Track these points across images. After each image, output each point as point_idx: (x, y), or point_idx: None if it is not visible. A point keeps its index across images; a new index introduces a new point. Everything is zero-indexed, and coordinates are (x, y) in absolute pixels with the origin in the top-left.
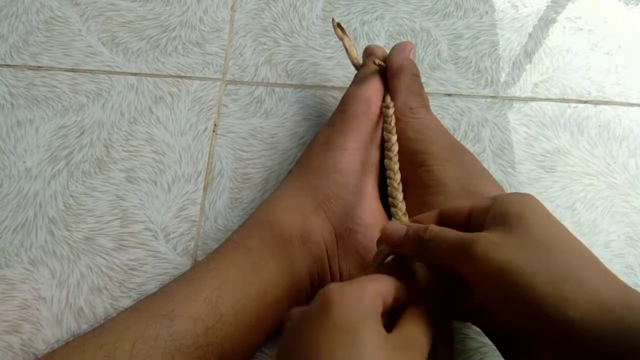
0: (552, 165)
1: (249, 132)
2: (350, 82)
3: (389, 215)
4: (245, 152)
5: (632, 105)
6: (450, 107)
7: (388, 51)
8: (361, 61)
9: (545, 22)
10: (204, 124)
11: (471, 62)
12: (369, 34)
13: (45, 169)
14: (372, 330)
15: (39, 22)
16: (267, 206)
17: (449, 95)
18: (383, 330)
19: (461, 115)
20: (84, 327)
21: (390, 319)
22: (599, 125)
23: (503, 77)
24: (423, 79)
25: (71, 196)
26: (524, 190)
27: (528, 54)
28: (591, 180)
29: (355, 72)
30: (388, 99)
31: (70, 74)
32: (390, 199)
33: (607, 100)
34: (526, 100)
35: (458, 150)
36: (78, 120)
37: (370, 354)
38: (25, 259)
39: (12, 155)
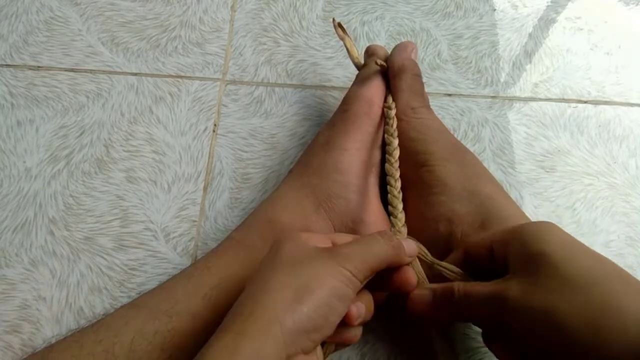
0: (552, 165)
1: (249, 132)
2: (350, 82)
3: (389, 214)
4: (245, 152)
5: (632, 105)
6: (450, 107)
7: (389, 51)
8: (362, 61)
9: (545, 22)
10: (204, 124)
11: (471, 62)
12: (369, 34)
13: (45, 169)
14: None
15: (39, 22)
16: (268, 205)
17: (449, 95)
18: (318, 247)
19: (461, 115)
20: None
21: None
22: (599, 125)
23: (503, 77)
24: (423, 79)
25: (71, 196)
26: (524, 191)
27: (528, 54)
28: (591, 180)
29: (357, 71)
30: (390, 99)
31: (70, 74)
32: (390, 208)
33: (607, 100)
34: (526, 100)
35: (459, 151)
36: (78, 120)
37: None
38: (25, 259)
39: (12, 155)
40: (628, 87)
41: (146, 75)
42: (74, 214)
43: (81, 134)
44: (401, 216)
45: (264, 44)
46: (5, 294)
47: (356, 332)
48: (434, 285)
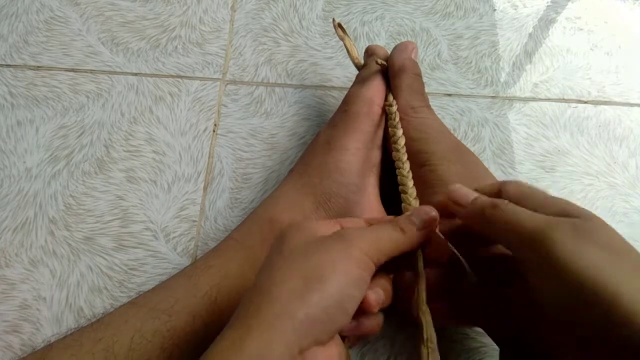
0: (552, 165)
1: (249, 132)
2: (350, 82)
3: (389, 214)
4: (245, 152)
5: (632, 105)
6: (450, 107)
7: (389, 51)
8: (362, 61)
9: (545, 22)
10: (204, 124)
11: (471, 62)
12: (369, 34)
13: (45, 169)
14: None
15: (39, 22)
16: (268, 205)
17: (449, 95)
18: (325, 235)
19: (461, 115)
20: None
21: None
22: (599, 125)
23: (503, 77)
24: (423, 79)
25: (71, 196)
26: None
27: (528, 54)
28: (591, 180)
29: (357, 71)
30: (390, 97)
31: (71, 74)
32: (400, 186)
33: (607, 100)
34: (526, 100)
35: (461, 150)
36: (78, 120)
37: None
38: (25, 259)
39: (12, 155)
40: (628, 87)
41: (146, 75)
42: (74, 214)
43: (81, 134)
44: (412, 191)
45: (264, 44)
46: (5, 294)
47: (378, 321)
48: (482, 196)
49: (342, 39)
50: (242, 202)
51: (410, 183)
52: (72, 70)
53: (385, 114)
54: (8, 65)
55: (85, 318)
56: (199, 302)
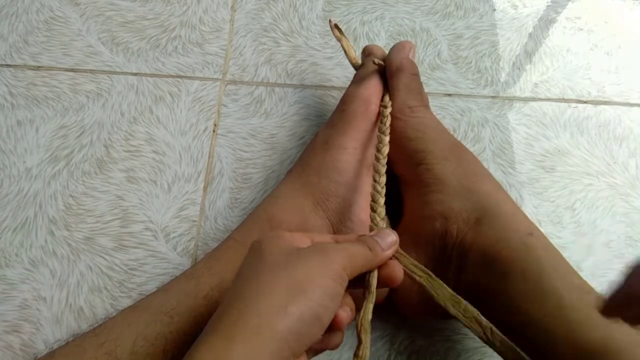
0: (552, 165)
1: (249, 132)
2: (350, 82)
3: (388, 213)
4: (245, 152)
5: (632, 105)
6: (450, 107)
7: (387, 51)
8: (359, 61)
9: (545, 22)
10: (204, 124)
11: (471, 62)
12: (369, 34)
13: (45, 169)
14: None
15: (39, 22)
16: (267, 205)
17: (449, 95)
18: (302, 247)
19: (461, 115)
20: (84, 327)
21: None
22: (599, 125)
23: (503, 77)
24: (423, 79)
25: (71, 196)
26: (524, 191)
27: (528, 54)
28: (591, 180)
29: (355, 72)
30: (387, 98)
31: (71, 73)
32: (371, 202)
33: (607, 100)
34: (526, 100)
35: (458, 149)
36: (78, 120)
37: (270, 253)
38: (25, 259)
39: (12, 155)
40: (628, 87)
41: (146, 75)
42: (74, 214)
43: (81, 134)
44: (381, 210)
45: (264, 44)
46: (5, 294)
47: (341, 337)
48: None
49: (339, 39)
50: (242, 202)
51: (382, 200)
52: (72, 70)
53: (379, 114)
54: (8, 65)
55: (85, 318)
56: (201, 304)
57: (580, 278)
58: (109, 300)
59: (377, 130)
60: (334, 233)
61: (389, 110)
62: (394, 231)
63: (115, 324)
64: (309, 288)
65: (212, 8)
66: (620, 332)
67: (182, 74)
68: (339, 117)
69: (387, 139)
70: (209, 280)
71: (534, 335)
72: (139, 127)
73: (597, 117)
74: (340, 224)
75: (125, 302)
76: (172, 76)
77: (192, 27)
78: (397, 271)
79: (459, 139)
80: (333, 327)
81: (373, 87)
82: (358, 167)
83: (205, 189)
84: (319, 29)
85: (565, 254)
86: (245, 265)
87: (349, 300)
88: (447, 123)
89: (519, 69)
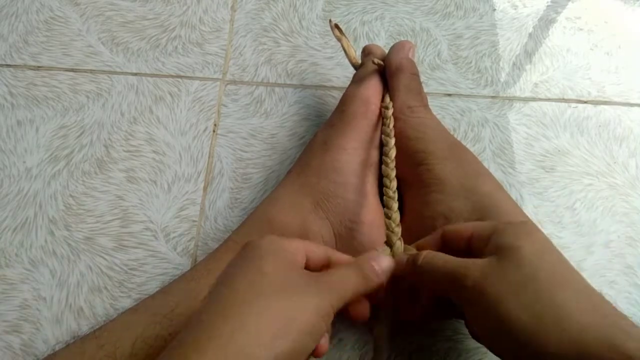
0: (552, 165)
1: (249, 132)
2: (349, 82)
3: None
4: (245, 152)
5: (632, 105)
6: (450, 107)
7: (387, 51)
8: (359, 61)
9: (545, 22)
10: (204, 124)
11: (471, 62)
12: (369, 34)
13: (45, 169)
14: (282, 265)
15: (39, 22)
16: (267, 205)
17: (449, 95)
18: (301, 270)
19: (461, 115)
20: (84, 327)
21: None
22: (599, 125)
23: (503, 77)
24: (423, 79)
25: (71, 196)
26: (524, 191)
27: (528, 54)
28: (591, 180)
29: (355, 71)
30: (387, 99)
31: (71, 73)
32: (385, 209)
33: (607, 100)
34: (526, 100)
35: (458, 149)
36: (78, 120)
37: (272, 273)
38: (25, 259)
39: (12, 155)
40: (628, 87)
41: (146, 75)
42: (74, 214)
43: (81, 134)
44: (395, 216)
45: (264, 44)
46: (5, 294)
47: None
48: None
49: (339, 39)
50: (242, 202)
51: (395, 206)
52: (72, 70)
53: (381, 116)
54: (8, 65)
55: (85, 318)
56: (200, 306)
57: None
58: (109, 300)
59: (381, 132)
60: (334, 233)
61: (391, 111)
62: (391, 258)
63: (115, 326)
64: (300, 325)
65: (212, 8)
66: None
67: (182, 74)
68: (339, 117)
69: (392, 141)
70: (208, 281)
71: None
72: (139, 127)
73: (597, 117)
74: (340, 224)
75: (125, 302)
76: (172, 76)
77: (192, 27)
78: (365, 312)
79: (459, 139)
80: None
81: (373, 87)
82: (358, 167)
83: (205, 189)
84: (319, 29)
85: (565, 254)
86: (241, 276)
87: (328, 328)
88: (447, 123)
89: (519, 69)
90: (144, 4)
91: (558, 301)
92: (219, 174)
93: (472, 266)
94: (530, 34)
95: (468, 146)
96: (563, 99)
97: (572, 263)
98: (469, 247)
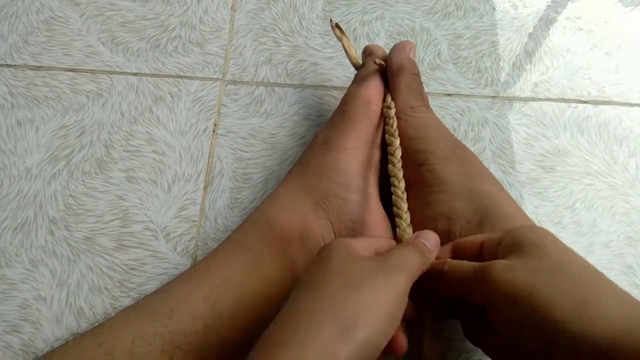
0: (552, 165)
1: (249, 132)
2: (350, 82)
3: (389, 214)
4: (245, 152)
5: (632, 105)
6: (450, 107)
7: (388, 51)
8: (360, 61)
9: (545, 22)
10: (204, 124)
11: (471, 62)
12: (369, 34)
13: (46, 169)
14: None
15: (39, 22)
16: (267, 205)
17: (449, 95)
18: (366, 259)
19: (461, 115)
20: (84, 326)
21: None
22: (599, 125)
23: (503, 77)
24: (423, 79)
25: (71, 196)
26: (524, 191)
27: (528, 54)
28: (591, 180)
29: (355, 71)
30: (389, 99)
31: (71, 73)
32: (394, 209)
33: (607, 100)
34: (526, 100)
35: (459, 149)
36: (78, 120)
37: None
38: (25, 259)
39: (12, 155)
40: (628, 87)
41: (146, 75)
42: (74, 214)
43: (81, 134)
44: (406, 216)
45: (264, 44)
46: (5, 294)
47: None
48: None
49: (340, 39)
50: (242, 202)
51: (405, 206)
52: (72, 70)
53: (384, 116)
54: (8, 65)
55: (85, 318)
56: (199, 304)
57: None
58: (109, 300)
59: (384, 133)
60: (335, 233)
61: (393, 111)
62: (432, 231)
63: (114, 323)
64: (373, 315)
65: (212, 8)
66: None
67: (182, 74)
68: (340, 117)
69: (397, 141)
70: (207, 281)
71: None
72: (139, 127)
73: (597, 117)
74: (340, 224)
75: (125, 302)
76: (172, 76)
77: (192, 27)
78: (402, 343)
79: (459, 139)
80: (393, 351)
81: (374, 87)
82: (359, 168)
83: (205, 189)
84: (319, 29)
85: None
86: (312, 274)
87: (401, 311)
88: (447, 123)
89: (519, 69)
90: (144, 4)
91: (595, 287)
92: (219, 174)
93: (496, 262)
94: (530, 34)
95: (468, 146)
96: (563, 99)
97: None
98: (479, 256)
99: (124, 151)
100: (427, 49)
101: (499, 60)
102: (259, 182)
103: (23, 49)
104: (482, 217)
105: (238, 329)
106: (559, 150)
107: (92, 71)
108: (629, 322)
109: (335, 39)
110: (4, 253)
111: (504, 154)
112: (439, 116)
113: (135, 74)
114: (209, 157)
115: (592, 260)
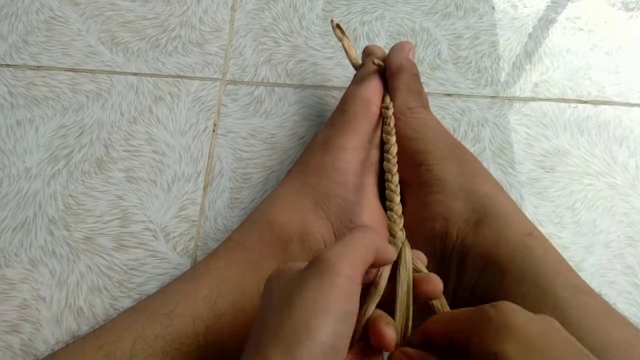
0: (552, 165)
1: (249, 132)
2: (350, 82)
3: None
4: (245, 152)
5: (632, 105)
6: (450, 107)
7: (387, 51)
8: (360, 62)
9: (545, 22)
10: (204, 124)
11: (471, 62)
12: (369, 34)
13: (45, 169)
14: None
15: (39, 22)
16: (266, 205)
17: (449, 95)
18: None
19: (461, 115)
20: (84, 327)
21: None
22: (599, 125)
23: (503, 77)
24: (423, 79)
25: (71, 196)
26: (524, 191)
27: (528, 54)
28: (591, 180)
29: (355, 72)
30: (387, 99)
31: (70, 73)
32: (387, 202)
33: (607, 100)
34: (526, 100)
35: (458, 150)
36: (78, 120)
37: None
38: (25, 259)
39: (12, 155)
40: (628, 87)
41: (146, 75)
42: (73, 213)
43: (81, 133)
44: (397, 208)
45: (264, 44)
46: (5, 294)
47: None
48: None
49: (340, 39)
50: (242, 202)
51: (397, 199)
52: (72, 70)
53: (382, 116)
54: (8, 65)
55: (84, 318)
56: (200, 305)
57: (579, 278)
58: (108, 300)
59: (382, 132)
60: (334, 233)
61: (391, 111)
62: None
63: (115, 326)
64: (313, 323)
65: (212, 8)
66: (616, 332)
67: (182, 74)
68: (339, 117)
69: (393, 139)
70: (207, 281)
71: None
72: (138, 127)
73: (597, 117)
74: (340, 224)
75: (125, 302)
76: (172, 76)
77: (192, 27)
78: (388, 333)
79: (459, 139)
80: (380, 346)
81: (373, 88)
82: (358, 168)
83: (205, 189)
84: (319, 29)
85: (565, 254)
86: (259, 311)
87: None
88: (447, 123)
89: (519, 69)
90: (144, 4)
91: None
92: (219, 174)
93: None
94: (530, 34)
95: (468, 146)
96: (563, 99)
97: (572, 263)
98: (452, 345)
99: (124, 151)
100: (427, 49)
101: (499, 61)
102: (258, 182)
103: (23, 49)
104: (479, 217)
105: (238, 329)
106: (559, 151)
107: (91, 71)
108: None
109: (335, 39)
110: (3, 253)
111: (504, 154)
112: (438, 116)
113: (135, 74)
114: (208, 157)
115: (592, 260)
